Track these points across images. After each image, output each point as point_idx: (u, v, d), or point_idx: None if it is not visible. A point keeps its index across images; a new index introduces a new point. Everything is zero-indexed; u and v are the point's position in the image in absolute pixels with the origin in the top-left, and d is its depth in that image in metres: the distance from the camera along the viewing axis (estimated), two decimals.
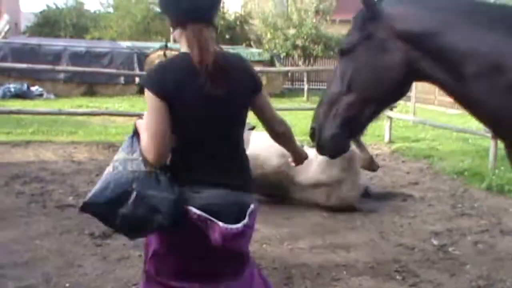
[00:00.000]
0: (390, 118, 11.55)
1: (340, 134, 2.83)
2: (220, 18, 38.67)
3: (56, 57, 19.29)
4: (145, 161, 2.38)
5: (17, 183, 7.23)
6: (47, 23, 42.49)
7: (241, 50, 23.90)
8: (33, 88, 18.54)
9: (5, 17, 23.72)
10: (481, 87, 2.63)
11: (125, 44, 23.50)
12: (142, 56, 21.47)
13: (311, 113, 10.81)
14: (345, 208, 6.48)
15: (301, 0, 22.79)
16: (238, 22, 37.49)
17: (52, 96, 18.60)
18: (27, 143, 9.87)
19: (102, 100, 17.45)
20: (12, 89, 17.94)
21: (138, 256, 4.84)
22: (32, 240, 5.21)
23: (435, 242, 5.55)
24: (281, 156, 6.49)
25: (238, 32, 36.44)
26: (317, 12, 22.58)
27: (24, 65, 12.01)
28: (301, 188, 6.61)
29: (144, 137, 2.41)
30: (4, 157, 8.78)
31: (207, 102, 2.41)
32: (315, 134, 2.91)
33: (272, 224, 5.88)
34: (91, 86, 19.71)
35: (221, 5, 36.05)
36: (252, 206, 2.56)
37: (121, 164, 2.44)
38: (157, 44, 23.22)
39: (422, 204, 6.98)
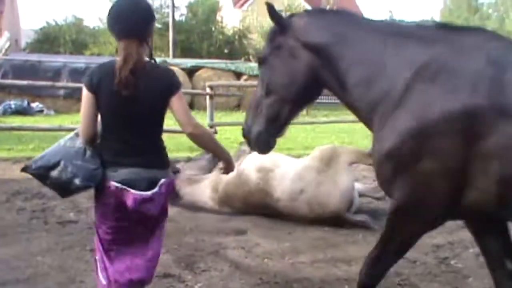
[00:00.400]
0: None
1: (263, 132, 3.46)
2: (218, 33, 38.95)
3: (56, 74, 19.41)
4: (80, 140, 3.16)
5: (18, 199, 7.27)
6: (47, 40, 42.75)
7: (240, 65, 24.01)
8: (33, 105, 18.63)
9: (6, 34, 23.89)
10: (357, 96, 3.24)
11: None
12: None
13: (309, 127, 10.98)
14: (336, 220, 6.37)
15: None
16: (236, 37, 37.73)
17: (52, 112, 18.69)
18: (28, 159, 9.77)
19: None
20: (13, 106, 18.07)
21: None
22: (33, 256, 5.21)
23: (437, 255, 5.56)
24: (258, 171, 6.51)
25: (237, 46, 36.55)
26: None
27: (24, 82, 12.11)
28: (281, 202, 6.46)
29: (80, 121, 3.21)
30: (5, 174, 8.82)
31: (118, 99, 3.04)
32: (245, 133, 3.54)
33: (274, 239, 5.88)
34: None
35: (220, 19, 36.34)
36: (163, 180, 3.18)
37: (63, 141, 3.21)
38: (158, 60, 23.26)
39: None
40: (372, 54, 3.21)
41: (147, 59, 3.14)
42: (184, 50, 36.41)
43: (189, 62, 24.58)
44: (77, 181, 3.05)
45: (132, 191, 3.07)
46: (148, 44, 3.14)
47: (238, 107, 22.86)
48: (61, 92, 19.05)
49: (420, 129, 2.92)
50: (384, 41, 3.20)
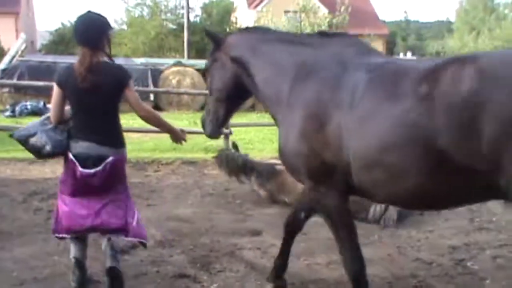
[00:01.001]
0: None
1: (210, 123, 4.58)
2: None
3: None
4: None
5: (35, 199, 7.32)
6: (62, 41, 42.98)
7: None
8: (49, 106, 18.68)
9: (22, 35, 24.04)
10: (264, 96, 4.22)
11: (139, 60, 23.71)
12: (156, 72, 21.63)
13: None
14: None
15: (314, 15, 22.89)
16: None
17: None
18: (45, 160, 9.94)
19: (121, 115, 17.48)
20: (29, 107, 18.17)
21: (155, 272, 4.88)
22: (50, 256, 5.25)
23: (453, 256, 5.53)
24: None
25: None
26: (330, 26, 22.67)
27: (40, 83, 12.11)
28: None
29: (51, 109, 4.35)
30: (22, 174, 8.89)
31: (79, 91, 4.13)
32: (201, 123, 4.69)
33: None
34: None
35: (234, 20, 36.39)
36: (110, 158, 4.19)
37: (42, 118, 4.39)
38: (171, 60, 23.39)
39: (439, 218, 6.92)
40: (273, 60, 4.12)
41: (105, 59, 4.27)
42: (199, 51, 36.44)
43: (204, 63, 24.54)
44: (48, 147, 4.19)
45: (79, 168, 4.17)
46: (103, 49, 4.23)
47: (252, 107, 22.85)
48: None
49: (301, 125, 3.71)
50: (282, 49, 4.11)
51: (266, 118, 19.29)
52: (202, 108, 22.22)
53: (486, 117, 2.93)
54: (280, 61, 4.06)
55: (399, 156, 3.28)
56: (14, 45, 23.11)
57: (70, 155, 4.17)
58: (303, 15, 23.48)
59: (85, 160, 4.16)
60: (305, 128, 3.67)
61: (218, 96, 4.45)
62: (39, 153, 4.27)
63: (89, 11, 4.32)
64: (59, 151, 4.21)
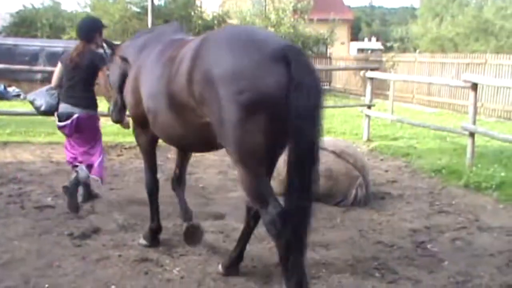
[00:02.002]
0: (368, 116, 11.63)
1: (113, 109, 5.59)
2: (197, 18, 38.56)
3: (33, 57, 19.17)
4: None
5: None
6: (24, 23, 41.94)
7: None
8: (10, 89, 18.36)
9: None
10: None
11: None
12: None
13: None
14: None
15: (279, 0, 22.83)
16: (216, 22, 37.45)
17: None
18: (5, 144, 9.80)
19: None
20: None
21: (117, 256, 4.84)
22: (10, 241, 5.16)
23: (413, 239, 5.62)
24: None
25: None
26: (294, 11, 22.61)
27: (0, 65, 11.82)
28: None
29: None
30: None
31: (67, 68, 6.23)
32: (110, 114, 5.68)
33: None
34: None
35: (199, 4, 35.96)
36: (75, 115, 6.15)
37: (46, 87, 6.48)
38: None
39: (400, 202, 7.04)
40: (134, 50, 5.13)
41: (93, 48, 6.28)
42: None
43: None
44: (42, 107, 6.30)
45: (57, 121, 6.28)
46: (95, 41, 6.25)
47: None
48: (39, 76, 18.72)
49: (131, 83, 4.98)
50: (140, 40, 5.22)
51: None
52: None
53: (195, 76, 3.73)
54: (136, 48, 5.13)
55: (155, 103, 4.34)
56: None
57: (55, 113, 6.28)
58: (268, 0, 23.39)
59: (62, 116, 6.20)
60: (132, 86, 4.87)
61: (115, 88, 5.51)
62: (38, 111, 6.42)
63: (87, 15, 5.72)
64: (49, 110, 6.32)
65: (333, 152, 6.75)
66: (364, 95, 13.93)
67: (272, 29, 22.12)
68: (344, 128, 13.13)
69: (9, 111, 11.78)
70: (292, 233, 3.51)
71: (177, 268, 4.62)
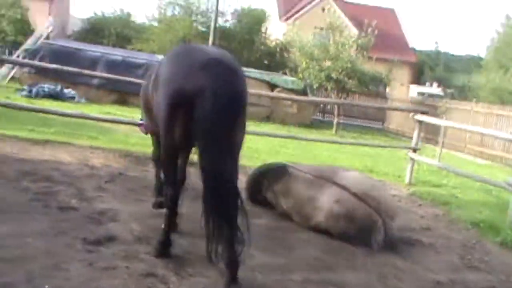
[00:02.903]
0: (413, 160, 11.31)
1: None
2: (260, 43, 38.91)
3: (93, 63, 19.56)
4: None
5: (26, 179, 7.19)
6: (92, 30, 43.26)
7: (276, 77, 23.94)
8: (66, 90, 18.77)
9: (49, 19, 24.17)
10: None
11: (161, 57, 23.69)
12: None
13: (335, 146, 10.84)
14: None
15: (340, 33, 22.68)
16: (278, 49, 37.68)
17: (83, 100, 18.81)
18: (46, 142, 9.91)
19: (131, 109, 17.41)
20: (46, 89, 18.25)
21: (125, 267, 4.75)
22: (24, 238, 5.13)
23: None
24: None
25: (278, 59, 36.57)
26: (356, 47, 22.50)
27: (57, 66, 11.97)
28: None
29: None
30: (20, 153, 8.81)
31: None
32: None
33: (272, 253, 5.74)
34: (123, 94, 19.82)
35: (264, 30, 36.54)
36: None
37: None
38: None
39: (430, 251, 6.74)
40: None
41: None
42: None
43: None
44: None
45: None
46: None
47: (267, 118, 22.77)
48: (95, 81, 19.17)
49: None
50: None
51: (282, 130, 19.23)
52: None
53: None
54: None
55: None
56: (41, 28, 23.25)
57: None
58: (330, 33, 23.28)
59: None
60: None
61: None
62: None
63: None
64: None
65: (355, 195, 6.55)
66: (423, 140, 13.63)
67: (330, 62, 22.03)
68: (388, 169, 12.80)
69: (56, 110, 11.90)
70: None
71: None
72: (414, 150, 11.34)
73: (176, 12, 39.08)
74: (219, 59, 4.65)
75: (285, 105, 22.98)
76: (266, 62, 37.23)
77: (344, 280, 5.31)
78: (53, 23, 24.54)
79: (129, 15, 46.46)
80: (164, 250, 5.15)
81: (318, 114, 27.80)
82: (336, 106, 23.52)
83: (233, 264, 4.51)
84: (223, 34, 37.21)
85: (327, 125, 24.07)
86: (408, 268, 5.97)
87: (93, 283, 4.39)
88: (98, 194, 7.03)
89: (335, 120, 22.50)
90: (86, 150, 9.85)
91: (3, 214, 5.72)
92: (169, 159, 5.03)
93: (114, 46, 37.81)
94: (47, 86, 18.24)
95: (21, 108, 10.89)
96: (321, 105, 27.62)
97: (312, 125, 23.78)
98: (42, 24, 31.68)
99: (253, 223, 6.73)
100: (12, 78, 21.24)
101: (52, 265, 4.61)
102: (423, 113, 11.41)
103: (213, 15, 35.56)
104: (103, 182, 7.58)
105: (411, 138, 23.57)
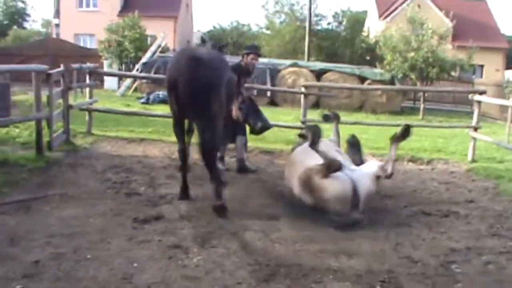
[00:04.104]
0: (474, 138, 10.74)
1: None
2: (361, 41, 38.26)
3: None
4: None
5: (111, 172, 7.72)
6: (212, 41, 44.68)
7: (365, 70, 23.55)
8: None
9: (161, 34, 25.28)
10: None
11: (262, 60, 24.07)
12: (274, 72, 21.84)
13: (422, 131, 10.44)
14: None
15: (421, 26, 21.87)
16: (377, 46, 36.99)
17: None
18: (142, 140, 10.50)
19: None
20: (160, 96, 19.19)
21: (157, 241, 5.01)
22: (87, 218, 5.58)
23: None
24: None
25: (377, 54, 36.08)
26: (435, 37, 21.66)
27: (162, 76, 12.64)
28: None
29: None
30: (116, 150, 9.43)
31: None
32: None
33: (298, 227, 5.74)
34: None
35: (364, 29, 36.34)
36: None
37: None
38: (288, 62, 23.56)
39: (461, 221, 6.42)
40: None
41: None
42: (329, 56, 36.34)
43: (319, 65, 24.60)
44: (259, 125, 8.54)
45: None
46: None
47: (360, 108, 22.45)
48: None
49: None
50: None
51: (372, 118, 18.85)
52: (313, 106, 22.15)
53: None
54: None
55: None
56: (155, 43, 24.42)
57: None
58: (410, 26, 22.55)
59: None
60: None
61: None
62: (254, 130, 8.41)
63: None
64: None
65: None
66: (501, 120, 12.88)
67: (412, 53, 21.37)
68: (456, 148, 12.24)
69: (144, 112, 12.57)
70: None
71: (198, 257, 4.68)
72: (475, 129, 10.77)
73: (282, 20, 39.42)
74: (195, 57, 5.90)
75: (374, 96, 22.53)
76: (368, 58, 36.62)
77: (358, 249, 5.24)
78: (164, 37, 25.59)
79: (243, 25, 47.47)
80: (183, 193, 6.46)
81: (412, 102, 27.01)
82: (421, 93, 22.77)
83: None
84: (326, 36, 37.07)
85: (414, 111, 23.30)
86: (430, 238, 5.75)
87: (126, 253, 4.69)
88: (166, 182, 7.40)
89: (421, 106, 21.76)
90: (174, 146, 10.13)
91: (80, 200, 6.23)
92: (176, 124, 6.53)
93: (232, 54, 38.75)
94: (161, 93, 19.19)
95: (117, 113, 11.67)
96: (412, 93, 26.77)
97: (401, 112, 23.12)
98: (168, 41, 33.17)
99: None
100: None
101: (99, 239, 4.99)
102: (481, 93, 10.80)
103: (315, 19, 35.64)
104: (176, 171, 7.90)
105: (495, 119, 22.43)
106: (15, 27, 40.37)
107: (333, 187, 5.81)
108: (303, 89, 11.37)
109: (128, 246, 4.87)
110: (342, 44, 37.52)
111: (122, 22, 25.89)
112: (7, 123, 8.99)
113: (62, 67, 9.29)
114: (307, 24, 30.63)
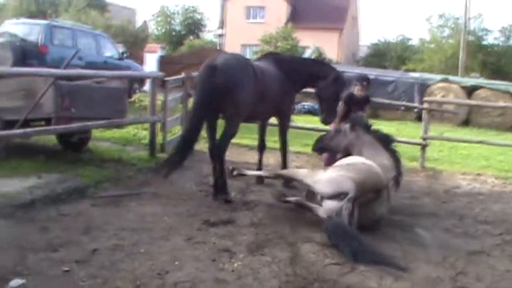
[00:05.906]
0: None
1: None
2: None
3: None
4: None
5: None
6: (376, 54, 43.98)
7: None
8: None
9: (311, 47, 25.47)
10: None
11: (412, 74, 23.23)
12: (424, 87, 20.94)
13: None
14: None
15: None
16: None
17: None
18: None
19: (380, 122, 17.27)
20: (306, 106, 19.44)
21: (212, 243, 5.10)
22: (162, 216, 5.88)
23: None
24: None
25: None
26: None
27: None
28: None
29: None
30: (232, 156, 9.61)
31: None
32: None
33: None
34: (375, 109, 19.89)
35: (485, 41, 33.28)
36: None
37: None
38: (438, 77, 22.39)
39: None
40: None
41: None
42: (494, 71, 33.79)
43: (470, 81, 23.03)
44: None
45: None
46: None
47: (466, 123, 20.84)
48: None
49: None
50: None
51: (482, 135, 17.07)
52: (463, 123, 20.73)
53: None
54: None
55: None
56: (304, 55, 24.72)
57: None
58: None
59: None
60: None
61: None
62: None
63: None
64: None
65: None
66: None
67: None
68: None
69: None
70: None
71: (240, 263, 4.69)
72: None
73: (445, 34, 37.46)
74: (211, 63, 6.51)
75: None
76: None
77: (411, 273, 4.80)
78: (315, 50, 25.73)
79: (408, 39, 45.98)
80: (216, 191, 6.73)
81: None
82: None
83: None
84: (492, 51, 34.47)
85: None
86: (503, 270, 5.13)
87: (176, 251, 4.85)
88: (260, 189, 7.46)
89: None
90: (293, 155, 10.26)
91: (167, 199, 6.57)
92: (207, 125, 6.80)
93: (395, 68, 37.74)
94: (306, 104, 19.41)
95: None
96: None
97: None
98: (332, 53, 33.32)
99: None
100: None
101: (160, 236, 5.23)
102: None
103: (480, 34, 33.34)
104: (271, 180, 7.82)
105: None
106: (191, 37, 43.43)
107: None
108: (425, 105, 10.75)
109: (182, 245, 5.03)
110: (509, 60, 34.56)
111: (275, 33, 26.61)
112: (122, 124, 9.32)
113: (183, 75, 9.85)
114: (461, 37, 28.77)
